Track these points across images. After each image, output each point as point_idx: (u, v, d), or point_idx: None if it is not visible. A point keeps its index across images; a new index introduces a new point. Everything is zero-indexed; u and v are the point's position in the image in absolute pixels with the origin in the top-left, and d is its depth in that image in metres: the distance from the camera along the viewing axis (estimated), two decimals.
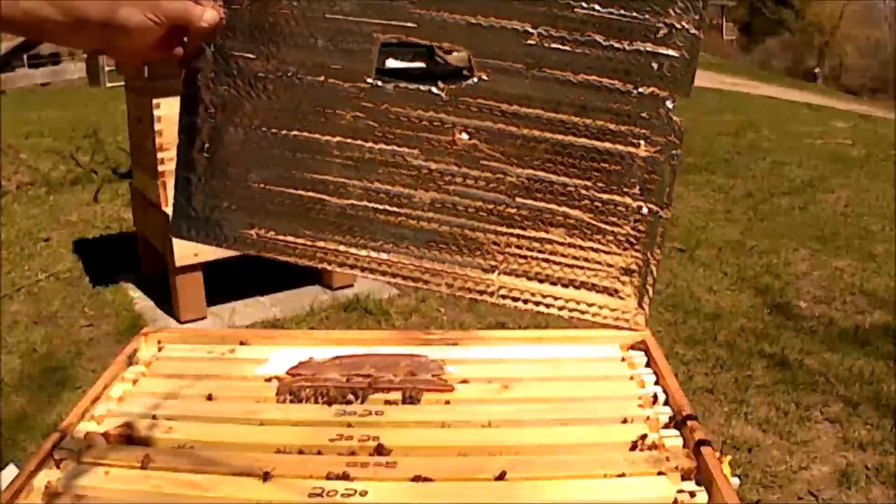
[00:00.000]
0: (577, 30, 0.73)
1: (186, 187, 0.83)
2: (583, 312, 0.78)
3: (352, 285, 3.14)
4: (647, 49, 0.73)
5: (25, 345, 2.74)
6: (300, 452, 0.86)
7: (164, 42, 0.77)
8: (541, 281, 0.77)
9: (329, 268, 0.82)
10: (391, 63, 2.84)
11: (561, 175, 0.75)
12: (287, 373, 1.02)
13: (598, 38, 0.73)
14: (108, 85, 10.16)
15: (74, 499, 0.79)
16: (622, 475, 0.81)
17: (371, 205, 0.79)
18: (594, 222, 0.76)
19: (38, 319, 2.96)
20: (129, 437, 0.89)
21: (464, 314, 2.98)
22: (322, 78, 0.78)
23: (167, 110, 2.65)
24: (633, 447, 0.87)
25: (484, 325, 2.83)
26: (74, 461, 0.84)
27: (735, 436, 2.20)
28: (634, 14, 0.72)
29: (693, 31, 0.72)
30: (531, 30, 0.73)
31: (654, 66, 0.73)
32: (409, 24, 0.75)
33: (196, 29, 0.77)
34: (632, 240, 0.76)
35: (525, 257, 0.77)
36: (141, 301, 3.08)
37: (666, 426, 0.91)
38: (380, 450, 0.85)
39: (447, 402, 0.97)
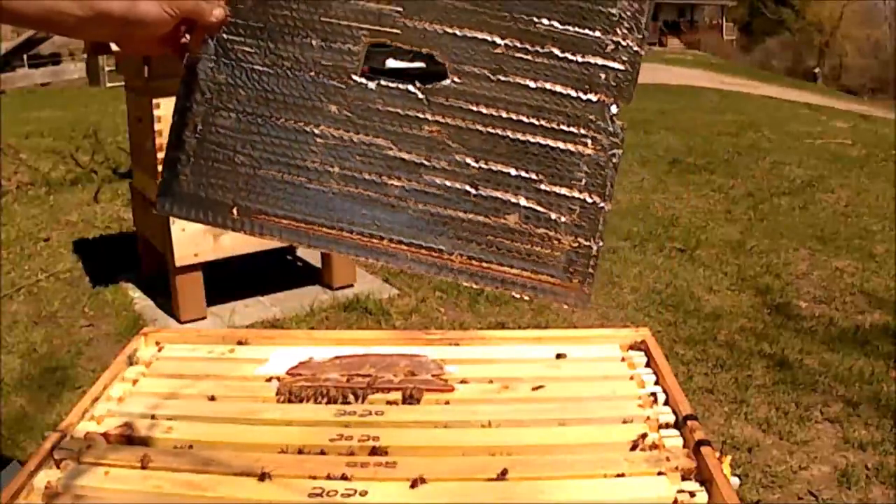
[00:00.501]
0: (538, 43, 0.84)
1: (174, 166, 0.89)
2: (533, 289, 0.85)
3: (352, 285, 3.14)
4: (597, 62, 0.84)
5: (25, 345, 2.74)
6: (300, 452, 0.86)
7: (173, 34, 0.83)
8: (497, 262, 0.85)
9: (301, 245, 0.88)
10: (391, 63, 2.84)
11: (519, 168, 0.85)
12: (287, 373, 1.02)
13: (556, 50, 0.84)
14: (108, 85, 10.17)
15: (74, 499, 0.79)
16: (622, 475, 0.81)
17: (347, 189, 0.87)
18: (545, 211, 0.85)
19: (38, 319, 2.96)
20: (129, 437, 0.89)
21: (464, 314, 2.98)
22: (313, 73, 0.86)
23: (167, 110, 2.65)
24: (634, 447, 0.87)
25: (484, 325, 2.83)
26: (74, 461, 0.84)
27: (735, 436, 2.20)
28: (587, 31, 0.83)
29: (636, 48, 0.84)
30: (499, 41, 0.84)
31: (602, 76, 0.84)
32: (394, 31, 0.85)
33: (205, 23, 0.83)
34: (577, 228, 0.85)
35: (483, 241, 0.85)
36: (141, 301, 3.07)
37: (666, 426, 0.91)
38: (380, 450, 0.85)
39: (447, 403, 0.97)
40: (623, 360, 1.08)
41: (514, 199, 0.85)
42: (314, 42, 0.86)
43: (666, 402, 0.96)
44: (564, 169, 0.84)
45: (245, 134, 0.87)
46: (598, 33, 0.83)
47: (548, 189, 0.85)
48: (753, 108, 9.17)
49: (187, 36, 0.85)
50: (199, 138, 0.88)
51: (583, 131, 0.84)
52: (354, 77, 0.85)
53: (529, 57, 0.84)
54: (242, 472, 0.81)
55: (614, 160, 0.84)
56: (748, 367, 2.59)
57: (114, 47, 2.49)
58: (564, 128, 0.84)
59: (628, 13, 0.83)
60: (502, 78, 0.84)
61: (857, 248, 3.79)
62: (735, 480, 0.84)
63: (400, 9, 0.84)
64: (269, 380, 1.02)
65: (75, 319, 2.96)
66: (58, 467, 0.84)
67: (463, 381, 1.00)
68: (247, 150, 0.87)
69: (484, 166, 0.85)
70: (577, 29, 0.83)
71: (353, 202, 0.86)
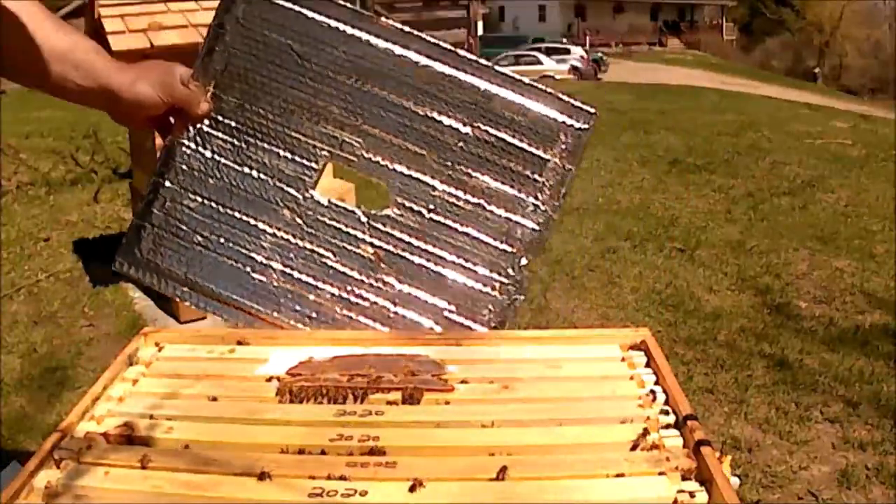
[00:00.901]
0: (470, 192, 0.95)
1: (138, 233, 1.01)
2: None
3: None
4: (517, 219, 0.95)
5: (25, 345, 2.74)
6: (301, 452, 0.86)
7: (161, 117, 0.93)
8: None
9: (236, 325, 1.01)
10: None
11: (435, 296, 0.97)
12: (287, 373, 1.02)
13: (484, 202, 0.95)
14: None
15: (74, 499, 0.79)
16: (622, 475, 0.81)
17: (285, 284, 0.98)
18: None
19: (38, 319, 2.96)
20: (129, 437, 0.89)
21: None
22: (275, 179, 0.97)
23: None
24: (634, 447, 0.87)
25: None
26: (74, 461, 0.84)
27: (735, 436, 2.20)
28: (514, 191, 0.95)
29: (551, 213, 0.95)
30: (438, 185, 0.95)
31: (519, 231, 0.96)
32: (351, 158, 0.96)
33: (192, 114, 0.94)
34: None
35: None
36: (141, 301, 3.08)
37: (666, 426, 0.91)
38: (380, 450, 0.85)
39: (447, 403, 0.97)
40: (623, 360, 1.07)
41: (426, 323, 0.98)
42: (281, 152, 0.96)
43: (666, 402, 0.96)
44: (473, 304, 0.97)
45: (207, 218, 0.98)
46: (522, 194, 0.95)
47: (456, 319, 0.98)
48: (753, 108, 9.17)
49: (172, 120, 0.95)
50: (165, 213, 1.00)
51: (494, 275, 0.96)
52: (311, 191, 0.96)
53: (461, 203, 0.95)
54: (242, 472, 0.81)
55: (516, 304, 0.97)
56: (748, 367, 2.60)
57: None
58: (479, 269, 0.96)
59: (551, 182, 0.95)
60: (435, 217, 0.95)
61: (857, 248, 3.79)
62: (735, 480, 0.84)
63: (360, 141, 0.95)
64: (269, 380, 1.01)
65: (75, 319, 2.96)
66: (58, 467, 0.84)
67: (463, 381, 1.00)
68: (205, 233, 0.99)
69: (405, 289, 0.96)
70: (506, 188, 0.95)
71: (288, 298, 0.98)
